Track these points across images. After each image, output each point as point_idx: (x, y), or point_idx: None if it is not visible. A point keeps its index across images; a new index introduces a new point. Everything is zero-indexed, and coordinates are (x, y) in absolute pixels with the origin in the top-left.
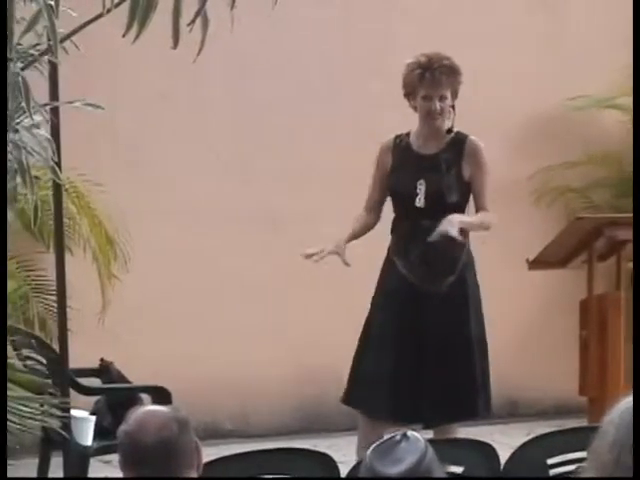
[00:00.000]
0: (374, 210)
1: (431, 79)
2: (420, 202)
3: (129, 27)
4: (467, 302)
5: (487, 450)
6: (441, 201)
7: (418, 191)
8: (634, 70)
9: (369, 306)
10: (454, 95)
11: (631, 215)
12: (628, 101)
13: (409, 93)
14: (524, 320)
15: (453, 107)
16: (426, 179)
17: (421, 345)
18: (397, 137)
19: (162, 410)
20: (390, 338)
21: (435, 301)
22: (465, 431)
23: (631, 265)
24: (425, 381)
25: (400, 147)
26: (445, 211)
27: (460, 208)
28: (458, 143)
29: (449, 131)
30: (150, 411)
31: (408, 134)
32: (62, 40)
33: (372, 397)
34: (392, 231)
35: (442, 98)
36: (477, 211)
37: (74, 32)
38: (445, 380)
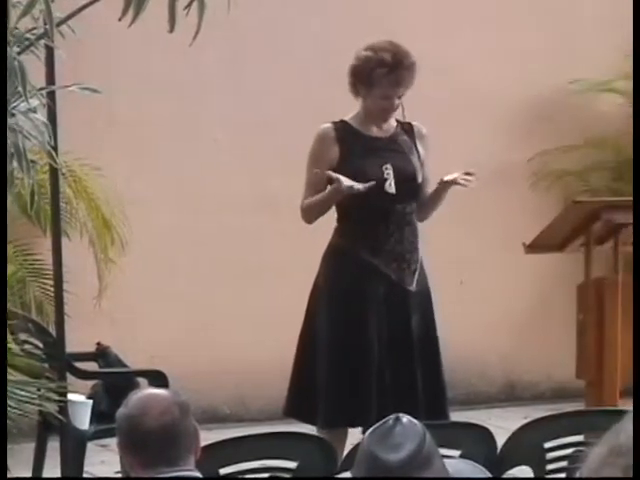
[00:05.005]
0: None
1: (395, 80)
2: (391, 187)
3: (125, 11)
4: (431, 298)
5: (484, 434)
6: (411, 183)
7: (387, 176)
8: (634, 70)
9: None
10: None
11: (628, 198)
12: (625, 85)
13: (364, 85)
14: (522, 304)
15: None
16: (392, 162)
17: (405, 347)
18: (335, 125)
19: (163, 394)
20: (373, 345)
21: (409, 298)
22: (462, 415)
23: (628, 249)
24: (405, 385)
25: (346, 134)
26: (413, 193)
27: (421, 190)
28: (406, 127)
29: None
30: (151, 395)
31: (344, 121)
32: (58, 24)
33: (363, 408)
34: (348, 221)
35: (400, 96)
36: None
37: (70, 16)
38: (425, 383)
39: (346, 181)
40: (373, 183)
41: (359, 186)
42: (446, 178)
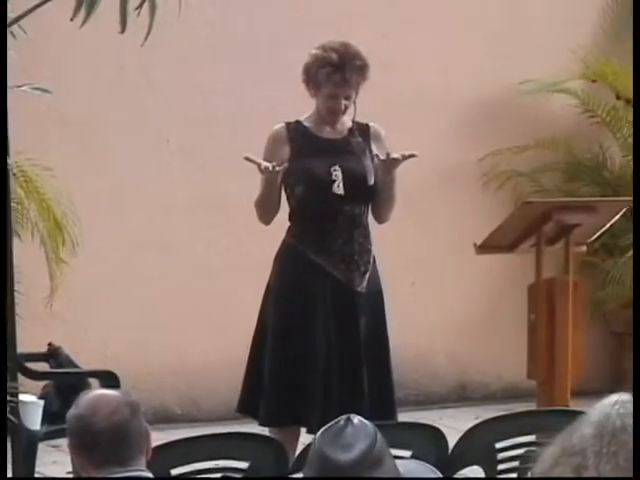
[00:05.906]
0: None
1: (341, 79)
2: (339, 189)
3: (77, 11)
4: (382, 299)
5: (435, 434)
6: (362, 185)
7: (335, 177)
8: (634, 71)
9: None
10: (358, 91)
11: (579, 199)
12: (576, 85)
13: (313, 85)
14: (473, 304)
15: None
16: (341, 164)
17: (353, 348)
18: (288, 125)
19: (113, 394)
20: (319, 345)
21: (357, 299)
22: (414, 415)
23: (579, 249)
24: (351, 385)
25: (298, 134)
26: (364, 195)
27: (375, 192)
28: (361, 128)
29: None
30: (101, 395)
31: (298, 122)
32: (10, 24)
33: (306, 407)
34: (298, 220)
35: (347, 97)
36: None
37: (22, 16)
38: (372, 384)
39: (264, 162)
40: (285, 165)
41: (266, 164)
42: (381, 157)
